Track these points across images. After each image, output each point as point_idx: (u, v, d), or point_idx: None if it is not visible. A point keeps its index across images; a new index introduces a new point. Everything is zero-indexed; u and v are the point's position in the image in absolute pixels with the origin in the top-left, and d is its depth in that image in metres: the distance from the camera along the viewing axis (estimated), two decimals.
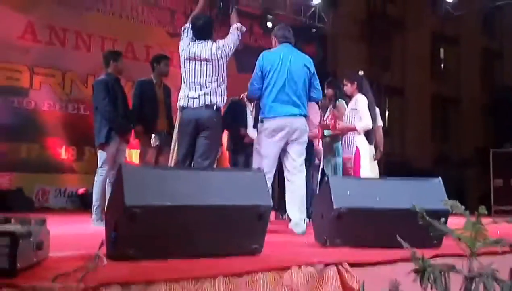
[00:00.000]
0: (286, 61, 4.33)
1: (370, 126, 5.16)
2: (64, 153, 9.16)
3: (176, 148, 5.12)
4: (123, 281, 1.80)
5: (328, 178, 3.03)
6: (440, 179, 3.14)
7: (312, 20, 12.53)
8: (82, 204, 8.69)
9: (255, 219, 2.45)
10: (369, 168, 5.08)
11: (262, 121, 4.36)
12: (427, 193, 2.97)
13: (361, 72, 5.49)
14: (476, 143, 16.98)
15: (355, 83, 5.33)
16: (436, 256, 2.57)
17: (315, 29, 12.63)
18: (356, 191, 2.96)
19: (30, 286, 1.65)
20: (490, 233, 1.85)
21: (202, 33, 4.40)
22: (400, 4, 16.16)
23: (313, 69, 4.45)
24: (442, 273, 1.77)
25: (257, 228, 2.49)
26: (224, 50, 4.35)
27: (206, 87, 4.31)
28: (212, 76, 4.33)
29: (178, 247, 2.30)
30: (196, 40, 4.40)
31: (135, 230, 2.22)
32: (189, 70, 4.35)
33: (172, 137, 5.62)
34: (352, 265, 2.36)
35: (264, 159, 4.28)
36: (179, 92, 4.49)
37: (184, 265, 2.13)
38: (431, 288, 1.74)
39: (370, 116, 5.14)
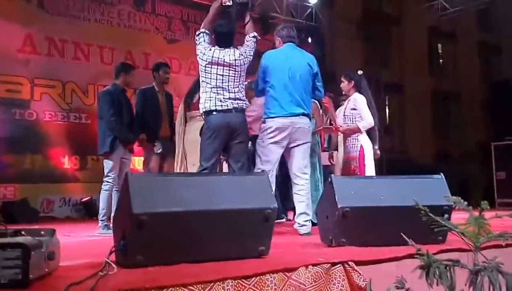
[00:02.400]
0: (289, 61, 4.34)
1: (373, 124, 5.18)
2: (67, 162, 9.19)
3: (182, 156, 5.14)
4: (134, 287, 1.83)
5: (331, 178, 3.06)
6: (442, 175, 3.17)
7: (309, 20, 12.59)
8: (87, 212, 8.72)
9: (261, 222, 2.48)
10: (373, 167, 5.10)
11: (264, 122, 4.35)
12: (430, 190, 3.00)
13: (360, 72, 5.51)
14: (477, 138, 16.98)
15: (352, 81, 5.35)
16: (441, 251, 2.60)
17: (312, 30, 12.70)
18: (359, 190, 2.99)
19: None
20: (493, 226, 1.88)
21: (225, 41, 4.34)
22: (395, 1, 16.21)
23: (316, 68, 4.45)
24: (447, 268, 1.80)
25: (264, 230, 2.52)
26: (246, 57, 4.35)
27: (230, 92, 4.26)
28: (234, 81, 4.28)
29: (186, 252, 2.33)
30: (217, 47, 4.36)
31: (143, 237, 2.25)
32: (212, 74, 4.27)
33: (175, 144, 5.67)
34: (358, 263, 2.39)
35: (264, 159, 4.29)
36: (178, 96, 4.47)
37: (193, 269, 2.16)
38: (437, 284, 1.77)
39: (371, 114, 5.16)
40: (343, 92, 5.63)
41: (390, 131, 16.30)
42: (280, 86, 4.28)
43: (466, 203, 2.02)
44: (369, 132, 5.22)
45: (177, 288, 1.90)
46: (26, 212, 7.84)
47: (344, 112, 5.42)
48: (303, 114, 4.32)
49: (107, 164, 5.19)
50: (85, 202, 8.89)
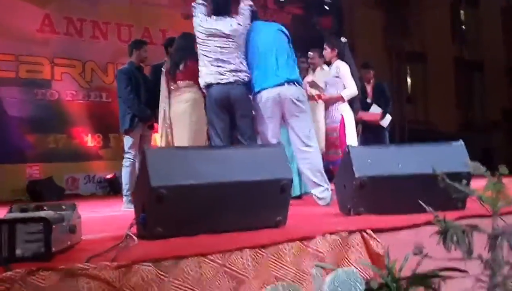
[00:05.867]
0: None
1: (356, 93, 5.05)
2: (90, 141, 9.33)
3: (166, 129, 5.07)
4: (155, 258, 1.87)
5: (348, 148, 3.04)
6: (461, 141, 3.12)
7: None
8: (112, 189, 8.88)
9: (277, 192, 2.50)
10: (355, 136, 4.97)
11: None
12: (449, 156, 2.95)
13: (343, 39, 5.36)
14: (502, 106, 16.67)
15: (335, 49, 5.20)
16: (460, 217, 2.58)
17: (330, 1, 12.49)
18: (377, 159, 2.97)
19: (65, 267, 1.72)
20: None
21: (221, 8, 4.26)
22: None
23: None
24: (465, 233, 1.79)
25: (280, 201, 2.54)
26: (244, 26, 4.28)
27: (230, 64, 4.20)
28: (234, 52, 4.22)
29: (204, 223, 2.36)
30: (214, 16, 4.28)
31: (162, 210, 2.28)
32: (210, 46, 4.23)
33: None
34: (376, 231, 2.38)
35: None
36: None
37: (211, 240, 2.19)
38: (455, 249, 1.76)
39: (354, 83, 5.03)
40: (326, 60, 5.47)
41: (412, 101, 16.07)
42: None
43: (484, 168, 1.99)
44: (351, 102, 5.08)
45: (196, 257, 1.93)
46: (52, 190, 8.04)
47: (326, 80, 5.29)
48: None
49: (127, 141, 5.27)
50: (109, 179, 9.05)
